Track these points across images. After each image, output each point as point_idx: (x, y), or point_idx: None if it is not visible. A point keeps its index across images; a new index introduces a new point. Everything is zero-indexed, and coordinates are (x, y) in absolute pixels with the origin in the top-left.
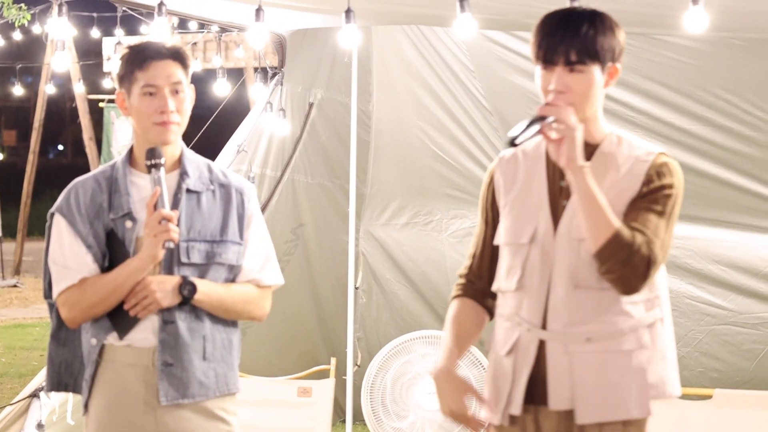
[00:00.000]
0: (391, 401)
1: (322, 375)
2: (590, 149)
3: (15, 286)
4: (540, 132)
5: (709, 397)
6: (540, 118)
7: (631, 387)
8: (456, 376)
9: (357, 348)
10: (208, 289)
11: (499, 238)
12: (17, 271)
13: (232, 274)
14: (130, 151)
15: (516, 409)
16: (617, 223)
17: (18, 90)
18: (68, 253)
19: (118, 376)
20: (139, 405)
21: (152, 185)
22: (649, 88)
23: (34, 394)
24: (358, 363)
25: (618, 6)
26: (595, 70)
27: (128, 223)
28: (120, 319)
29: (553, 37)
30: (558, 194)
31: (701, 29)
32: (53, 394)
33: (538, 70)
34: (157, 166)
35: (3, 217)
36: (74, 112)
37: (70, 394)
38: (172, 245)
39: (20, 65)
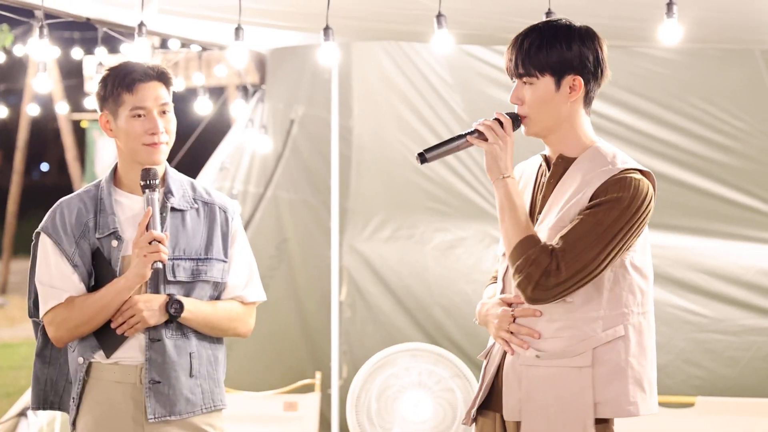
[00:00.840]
0: (376, 414)
1: (308, 389)
2: (566, 163)
3: (1, 305)
4: (461, 148)
5: (691, 404)
6: (470, 133)
7: (577, 404)
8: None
9: (342, 362)
10: (194, 307)
11: (499, 249)
12: (3, 291)
13: (217, 291)
14: (114, 171)
15: (473, 412)
16: (528, 232)
17: (1, 111)
18: (54, 272)
19: (105, 394)
20: (127, 422)
21: (145, 205)
22: (628, 100)
23: (22, 413)
24: (344, 376)
25: (593, 19)
26: (547, 81)
27: (114, 242)
28: (107, 337)
29: (510, 51)
30: (536, 208)
31: (676, 41)
32: (41, 412)
33: None
34: (152, 187)
35: None
36: (57, 131)
37: (58, 413)
38: (160, 266)
39: (2, 87)
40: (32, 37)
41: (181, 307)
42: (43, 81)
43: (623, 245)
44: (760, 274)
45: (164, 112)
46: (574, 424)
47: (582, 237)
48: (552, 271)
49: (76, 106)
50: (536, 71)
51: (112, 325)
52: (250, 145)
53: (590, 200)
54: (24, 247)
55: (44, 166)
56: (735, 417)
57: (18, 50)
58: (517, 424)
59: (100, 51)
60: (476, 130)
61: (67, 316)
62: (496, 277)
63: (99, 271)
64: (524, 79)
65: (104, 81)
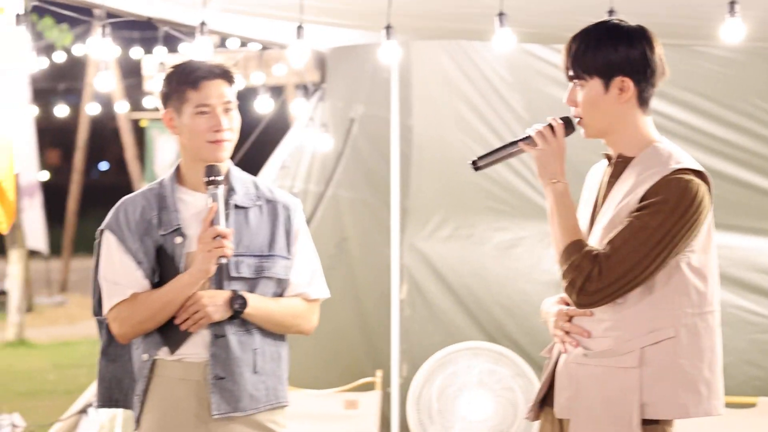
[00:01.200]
0: (437, 413)
1: (368, 387)
2: (625, 162)
3: (61, 303)
4: (512, 155)
5: (752, 405)
6: (520, 139)
7: (623, 404)
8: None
9: (402, 360)
10: (257, 303)
11: None
12: (63, 289)
13: (281, 288)
14: (177, 169)
15: (533, 407)
16: (574, 237)
17: (61, 110)
18: (118, 269)
19: (169, 391)
20: (190, 419)
21: (209, 201)
22: (687, 99)
23: (83, 411)
24: (404, 375)
25: (653, 18)
26: (595, 83)
27: (178, 239)
28: (171, 333)
29: (562, 56)
30: (598, 209)
31: (738, 39)
32: (102, 410)
33: None
34: (215, 183)
35: (49, 235)
36: (117, 131)
37: (120, 410)
38: (225, 261)
39: (63, 86)
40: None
41: (244, 303)
42: (104, 80)
43: (673, 248)
44: None
45: (228, 110)
46: (621, 423)
47: (626, 242)
48: (594, 277)
49: (136, 105)
50: (584, 74)
51: (176, 321)
52: (310, 144)
53: (640, 201)
54: (84, 245)
55: (103, 165)
56: None
57: (77, 49)
58: (569, 421)
59: (160, 50)
60: (528, 136)
61: (131, 312)
62: None
63: (163, 268)
64: (575, 81)
65: (168, 78)
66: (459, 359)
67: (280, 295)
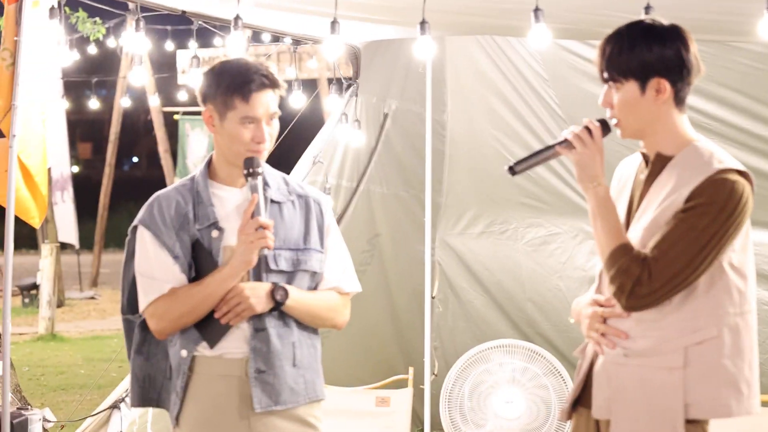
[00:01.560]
0: (469, 410)
1: (400, 384)
2: (663, 161)
3: (92, 298)
4: (549, 159)
5: None
6: (560, 143)
7: (667, 404)
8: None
9: (434, 357)
10: (297, 295)
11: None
12: (95, 283)
13: (314, 281)
14: (209, 164)
15: (566, 408)
16: (618, 241)
17: (93, 103)
18: (155, 264)
19: (210, 388)
20: (232, 415)
21: (250, 192)
22: (724, 95)
23: (115, 405)
24: (436, 372)
25: (690, 14)
26: (632, 85)
27: (215, 233)
28: (209, 328)
29: (597, 57)
30: (634, 208)
31: None
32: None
33: None
34: (254, 175)
35: (80, 229)
36: (149, 124)
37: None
38: (266, 252)
39: (95, 79)
40: (125, 30)
41: (286, 293)
42: (138, 74)
43: (719, 249)
44: None
45: (272, 120)
46: (664, 424)
47: (674, 244)
48: (644, 281)
49: (169, 99)
50: (620, 76)
51: (216, 315)
52: (343, 139)
53: (685, 202)
54: (115, 240)
55: (135, 159)
56: None
57: (111, 43)
58: (607, 422)
59: (193, 44)
60: (565, 140)
61: (169, 306)
62: None
63: (199, 262)
64: (610, 83)
65: (217, 79)
66: (492, 357)
67: (314, 288)
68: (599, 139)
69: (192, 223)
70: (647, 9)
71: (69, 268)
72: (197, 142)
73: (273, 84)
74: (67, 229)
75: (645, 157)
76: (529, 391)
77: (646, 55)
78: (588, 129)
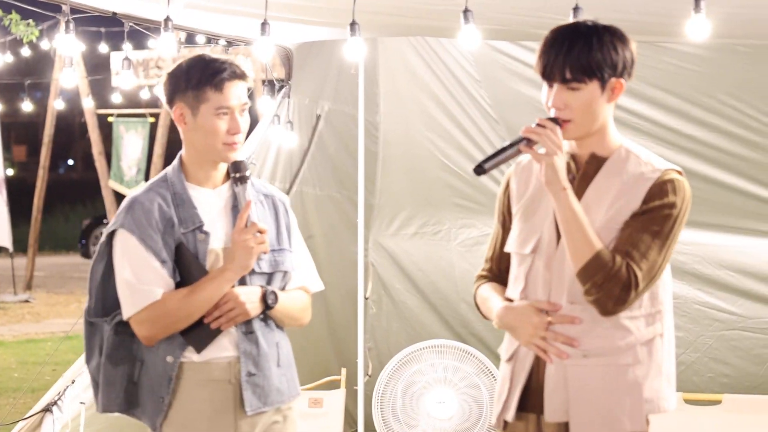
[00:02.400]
0: (401, 411)
1: (333, 386)
2: (599, 162)
3: (27, 301)
4: (515, 156)
5: (718, 402)
6: (520, 140)
7: (626, 402)
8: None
9: (368, 358)
10: (282, 298)
11: (509, 246)
12: (29, 287)
13: (285, 281)
14: (181, 164)
15: (509, 416)
16: (598, 245)
17: (27, 106)
18: (143, 269)
19: (197, 393)
20: (220, 419)
21: (240, 198)
22: (654, 96)
23: (47, 409)
24: (369, 373)
25: (621, 15)
26: (594, 86)
27: (200, 236)
28: (197, 334)
29: (550, 55)
30: None
31: (704, 36)
32: (66, 408)
33: (543, 84)
34: (243, 179)
35: (14, 232)
36: (83, 127)
37: (83, 408)
38: (263, 256)
39: (29, 81)
40: (58, 32)
41: (276, 298)
42: (69, 76)
43: (674, 246)
44: None
45: (243, 111)
46: (628, 420)
47: (651, 246)
48: (632, 285)
49: (103, 101)
50: (585, 77)
51: (207, 320)
52: (275, 140)
53: (644, 203)
54: (49, 242)
55: (69, 162)
56: (762, 415)
57: (44, 45)
58: (561, 425)
59: (127, 46)
60: (526, 138)
61: (163, 313)
62: (486, 276)
63: (183, 266)
64: (573, 84)
65: (186, 74)
66: (424, 357)
67: (284, 288)
68: (561, 139)
69: (177, 226)
70: (576, 9)
71: (3, 272)
72: (132, 145)
73: (243, 75)
74: (1, 232)
75: (574, 158)
76: (461, 391)
77: (614, 55)
78: (546, 128)
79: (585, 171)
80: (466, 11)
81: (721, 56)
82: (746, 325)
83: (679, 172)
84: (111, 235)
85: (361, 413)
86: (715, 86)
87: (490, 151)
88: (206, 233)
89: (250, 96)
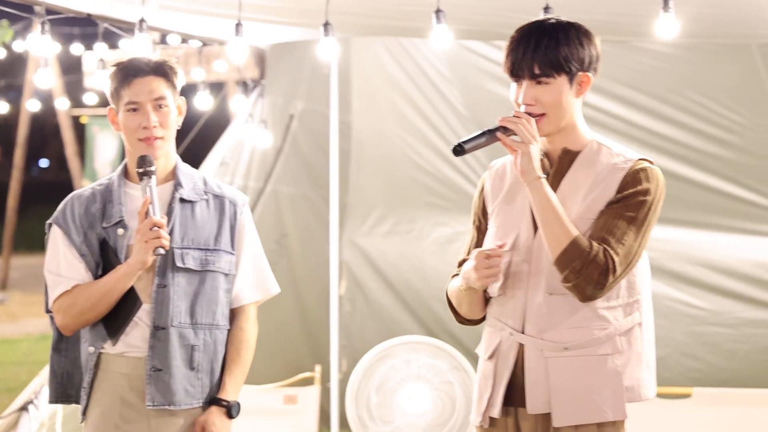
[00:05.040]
0: (376, 407)
1: (308, 382)
2: (571, 156)
3: (2, 301)
4: (492, 142)
5: (688, 396)
6: (497, 129)
7: (606, 390)
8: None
9: (341, 355)
10: (238, 387)
11: (486, 245)
12: (3, 287)
13: (228, 283)
14: (125, 164)
15: (495, 412)
16: (575, 232)
17: (1, 107)
18: (62, 261)
19: (112, 385)
20: (132, 412)
21: (143, 193)
22: (625, 94)
23: (24, 408)
24: (343, 370)
25: (590, 15)
26: (562, 80)
27: (120, 231)
28: (111, 325)
29: (518, 51)
30: None
31: (672, 35)
32: (42, 406)
33: (512, 83)
34: (148, 174)
35: None
36: (57, 127)
37: (60, 407)
38: (162, 252)
39: (2, 82)
40: (32, 33)
41: (239, 406)
42: (44, 77)
43: (650, 234)
44: (758, 267)
45: (160, 107)
46: (609, 408)
47: (626, 232)
48: (610, 270)
49: (76, 102)
50: (554, 72)
51: None
52: (249, 140)
53: (618, 191)
54: (24, 243)
55: (44, 162)
56: (732, 408)
57: (18, 46)
58: (539, 417)
59: (100, 47)
60: (503, 127)
61: (72, 302)
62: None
63: (106, 260)
64: (542, 79)
65: (111, 76)
66: (397, 353)
67: (229, 290)
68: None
69: (99, 221)
70: (546, 9)
71: None
72: (105, 145)
73: (155, 70)
74: None
75: (547, 154)
76: (435, 387)
77: (581, 51)
78: (525, 120)
79: (558, 166)
80: (438, 11)
81: (691, 55)
82: (716, 320)
83: (651, 162)
84: (49, 229)
85: (336, 410)
86: (685, 84)
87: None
88: (126, 228)
89: (227, 97)
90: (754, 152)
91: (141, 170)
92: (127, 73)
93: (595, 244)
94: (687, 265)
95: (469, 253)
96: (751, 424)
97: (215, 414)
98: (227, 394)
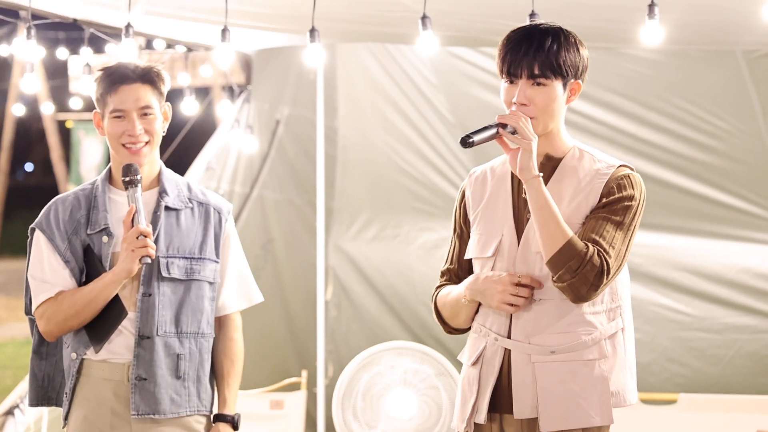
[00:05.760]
0: (362, 412)
1: (294, 387)
2: (554, 163)
3: None
4: (496, 138)
5: (674, 401)
6: (498, 125)
7: (593, 395)
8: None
9: (328, 360)
10: (235, 398)
11: (469, 253)
12: None
13: (213, 291)
14: (109, 170)
15: (481, 418)
16: (570, 232)
17: None
18: (46, 267)
19: (94, 391)
20: (113, 418)
21: (129, 201)
22: (610, 100)
23: (9, 412)
24: (329, 375)
25: (576, 21)
26: (557, 84)
27: (104, 238)
28: (95, 332)
29: (518, 51)
30: (522, 208)
31: (657, 42)
32: (28, 410)
33: (502, 84)
34: (133, 182)
35: None
36: (42, 132)
37: (45, 411)
38: (148, 261)
39: None
40: (17, 37)
41: (239, 417)
42: (30, 81)
43: (634, 239)
44: (743, 273)
45: (145, 114)
46: (597, 413)
47: (615, 236)
48: (605, 272)
49: (62, 107)
50: (552, 74)
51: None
52: (235, 145)
53: (602, 198)
54: (9, 247)
55: (29, 166)
56: (717, 414)
57: (2, 50)
58: (527, 422)
59: (86, 51)
60: (505, 124)
61: (56, 309)
62: (444, 285)
63: (90, 267)
64: (538, 80)
65: (97, 82)
66: (383, 359)
67: (214, 298)
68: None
69: (84, 227)
70: (532, 16)
71: None
72: (91, 150)
73: (142, 77)
74: None
75: None
76: (420, 393)
77: (576, 57)
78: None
79: (540, 171)
80: (424, 18)
81: (676, 61)
82: (701, 326)
83: (632, 169)
84: (32, 233)
85: (322, 415)
86: (670, 91)
87: (447, 155)
88: (111, 236)
89: (212, 102)
90: (739, 158)
91: (126, 179)
92: (114, 79)
93: (590, 245)
94: (672, 271)
95: (451, 263)
96: (736, 430)
97: (224, 430)
98: (229, 409)
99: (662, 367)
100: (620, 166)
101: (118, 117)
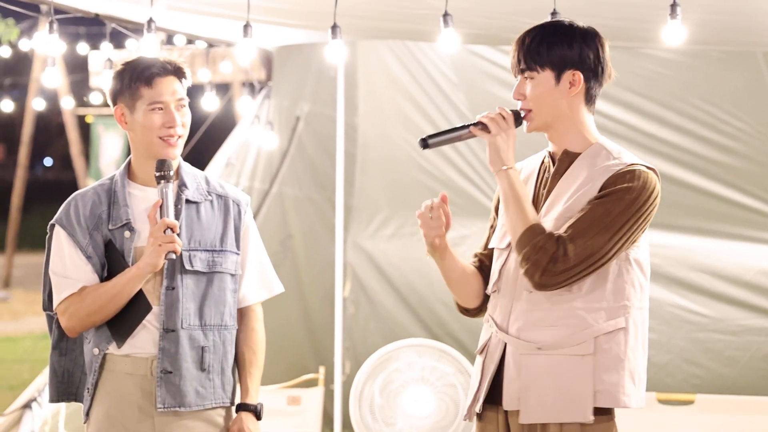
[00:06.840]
0: (379, 409)
1: (311, 384)
2: (571, 158)
3: (5, 299)
4: (463, 138)
5: (691, 402)
6: (472, 124)
7: (573, 391)
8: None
9: (345, 357)
10: (258, 387)
11: (492, 242)
12: (6, 285)
13: (235, 283)
14: (128, 164)
15: (478, 407)
16: (533, 220)
17: (5, 105)
18: (68, 263)
19: (117, 385)
20: (137, 413)
21: (159, 195)
22: (630, 100)
23: (27, 405)
24: (347, 372)
25: (597, 20)
26: (547, 76)
27: (126, 234)
28: (118, 327)
29: (513, 50)
30: (539, 202)
31: (679, 42)
32: (45, 404)
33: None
34: (166, 178)
35: None
36: (62, 126)
37: (63, 405)
38: (173, 256)
39: (8, 81)
40: (38, 32)
41: (261, 406)
42: (51, 76)
43: (630, 236)
44: (761, 275)
45: (181, 107)
46: (574, 409)
47: (591, 225)
48: (559, 257)
49: (82, 101)
50: (536, 65)
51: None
52: (255, 141)
53: (600, 191)
54: (28, 241)
55: (48, 161)
56: (733, 415)
57: (23, 44)
58: (517, 413)
59: (107, 47)
60: (479, 122)
61: (79, 305)
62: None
63: (111, 262)
64: (526, 74)
65: (120, 75)
66: (401, 356)
67: (236, 290)
68: (513, 126)
69: (105, 223)
70: (554, 14)
71: None
72: (110, 145)
73: (176, 71)
74: None
75: (551, 155)
76: (438, 390)
77: (566, 49)
78: (502, 116)
79: (558, 166)
80: (445, 15)
81: (696, 62)
82: (718, 327)
83: (651, 169)
84: (51, 229)
85: (339, 411)
86: (690, 91)
87: (467, 154)
88: (133, 231)
89: (232, 98)
90: (758, 160)
91: (160, 174)
92: (150, 72)
93: (551, 232)
94: (690, 272)
95: (482, 248)
96: (753, 431)
97: (247, 419)
98: (252, 398)
99: (678, 367)
100: (633, 163)
101: (158, 109)
